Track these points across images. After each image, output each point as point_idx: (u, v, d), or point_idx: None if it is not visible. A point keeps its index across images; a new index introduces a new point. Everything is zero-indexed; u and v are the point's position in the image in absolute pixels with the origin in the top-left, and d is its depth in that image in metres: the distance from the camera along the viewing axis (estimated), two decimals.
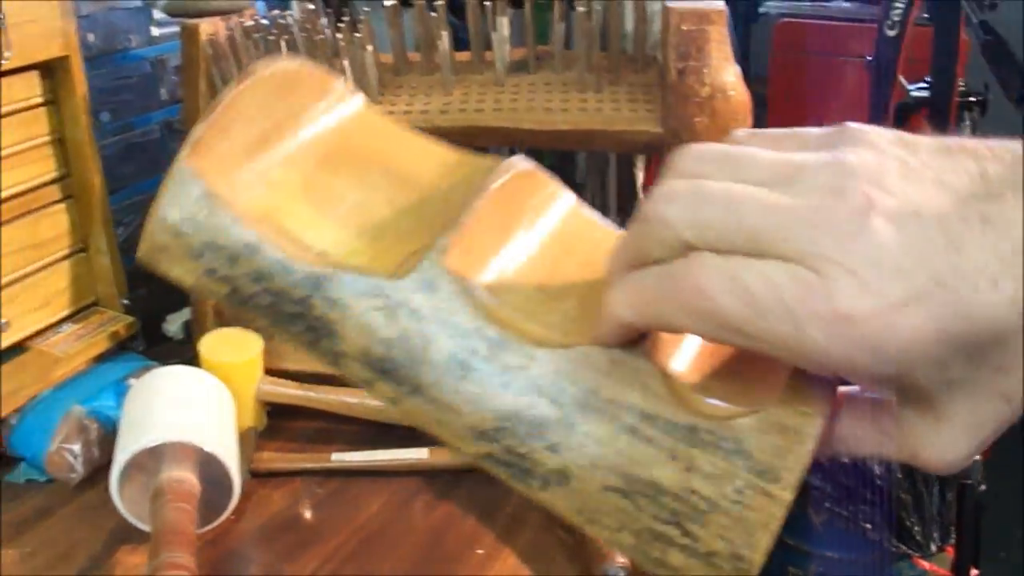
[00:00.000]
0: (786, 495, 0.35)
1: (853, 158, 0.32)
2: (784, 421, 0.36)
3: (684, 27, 0.92)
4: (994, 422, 0.34)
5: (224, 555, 0.86)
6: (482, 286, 0.41)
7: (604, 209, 1.76)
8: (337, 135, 0.48)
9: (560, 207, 0.46)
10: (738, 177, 0.34)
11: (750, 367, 0.38)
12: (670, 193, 0.35)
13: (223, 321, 1.06)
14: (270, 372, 1.02)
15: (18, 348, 1.02)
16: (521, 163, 0.46)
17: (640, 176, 1.52)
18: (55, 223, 1.04)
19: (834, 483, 1.59)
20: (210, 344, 0.99)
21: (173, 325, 1.15)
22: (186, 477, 0.83)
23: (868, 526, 1.60)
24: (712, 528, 0.37)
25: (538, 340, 0.39)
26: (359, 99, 0.51)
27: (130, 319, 1.08)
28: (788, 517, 0.36)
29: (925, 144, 0.34)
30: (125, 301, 1.09)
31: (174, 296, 1.16)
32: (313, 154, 0.47)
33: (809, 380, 0.37)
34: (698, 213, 0.34)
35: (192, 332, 1.09)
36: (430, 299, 0.40)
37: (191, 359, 0.99)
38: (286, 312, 0.42)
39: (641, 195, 1.31)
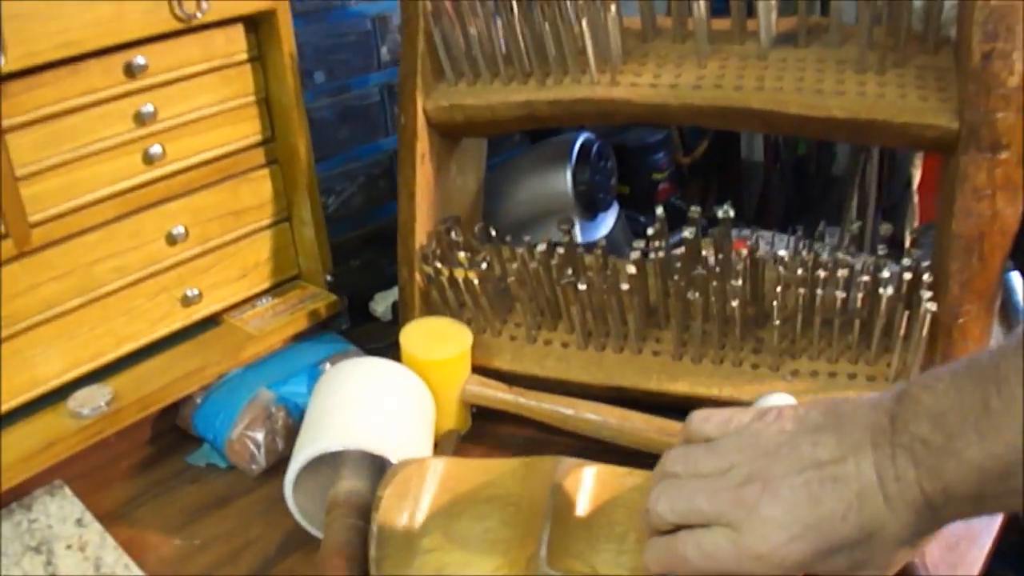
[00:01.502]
0: None
1: (745, 467, 0.56)
2: None
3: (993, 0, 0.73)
4: None
5: None
6: (576, 564, 0.63)
7: (863, 207, 1.56)
8: (445, 494, 0.70)
9: (597, 479, 0.69)
10: (696, 471, 0.58)
11: None
12: (659, 493, 0.58)
13: (431, 307, 0.95)
14: (479, 370, 0.91)
15: (211, 321, 0.95)
16: (568, 461, 0.70)
17: (916, 175, 1.32)
18: (257, 190, 0.96)
19: None
20: (413, 334, 0.89)
21: (381, 305, 1.06)
22: (365, 488, 0.72)
23: None
24: None
25: None
26: (441, 461, 0.73)
27: (333, 297, 0.99)
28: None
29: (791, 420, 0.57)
30: (329, 277, 1.00)
31: (385, 273, 1.06)
32: (438, 516, 0.69)
33: None
34: (675, 506, 0.57)
35: (399, 318, 0.99)
36: None
37: (395, 343, 0.89)
38: None
39: (915, 198, 1.11)
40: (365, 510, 0.71)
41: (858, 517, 0.52)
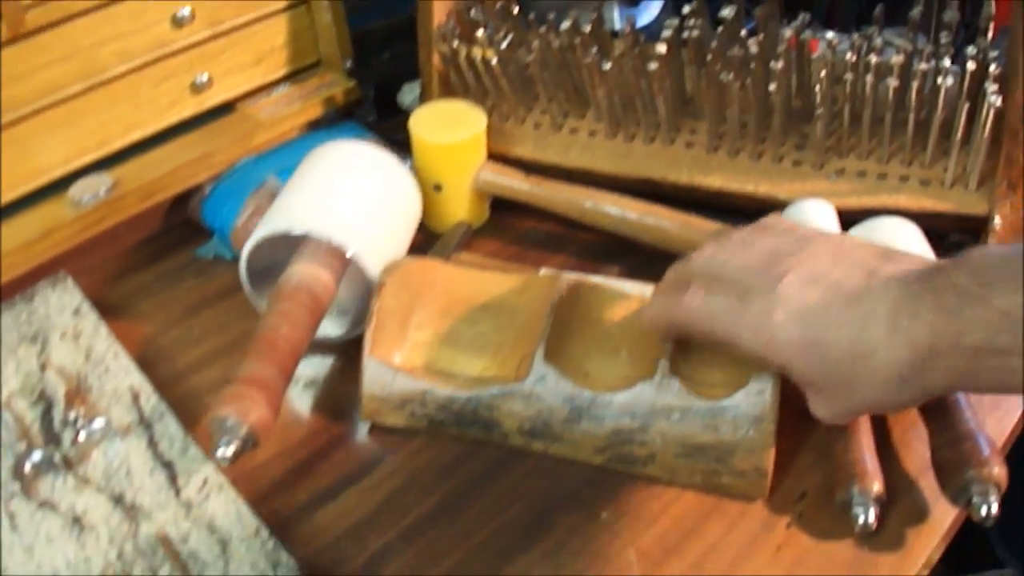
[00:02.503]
0: (771, 426, 0.59)
1: (785, 246, 0.57)
2: (756, 388, 0.60)
3: None
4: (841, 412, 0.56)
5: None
6: (572, 367, 0.65)
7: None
8: (442, 295, 0.71)
9: (596, 295, 0.69)
10: (744, 242, 0.59)
11: (732, 360, 0.62)
12: (704, 248, 0.60)
13: (451, 91, 0.88)
14: (499, 159, 0.84)
15: (225, 110, 0.91)
16: (568, 277, 0.69)
17: None
18: None
19: None
20: (424, 118, 0.82)
21: (408, 95, 0.99)
22: (317, 275, 0.68)
23: None
24: (739, 457, 0.61)
25: (611, 387, 0.63)
26: (444, 266, 0.73)
27: (350, 83, 0.93)
28: None
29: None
30: (348, 63, 0.94)
31: (414, 62, 1.00)
32: (434, 314, 0.70)
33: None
34: (713, 257, 0.59)
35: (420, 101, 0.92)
36: (544, 385, 0.64)
37: None
38: (465, 421, 0.66)
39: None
40: (309, 297, 0.67)
41: (854, 331, 0.52)
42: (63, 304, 0.79)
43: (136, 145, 0.86)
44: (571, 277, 0.69)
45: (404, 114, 0.98)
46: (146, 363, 0.73)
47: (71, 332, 0.76)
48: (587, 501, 0.63)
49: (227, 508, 0.62)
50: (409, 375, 0.67)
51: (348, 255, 0.69)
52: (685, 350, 0.64)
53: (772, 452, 0.60)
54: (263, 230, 0.70)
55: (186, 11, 0.84)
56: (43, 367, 0.73)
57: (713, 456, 0.61)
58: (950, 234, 0.77)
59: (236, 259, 0.84)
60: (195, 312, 0.80)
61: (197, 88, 0.87)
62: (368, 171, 0.75)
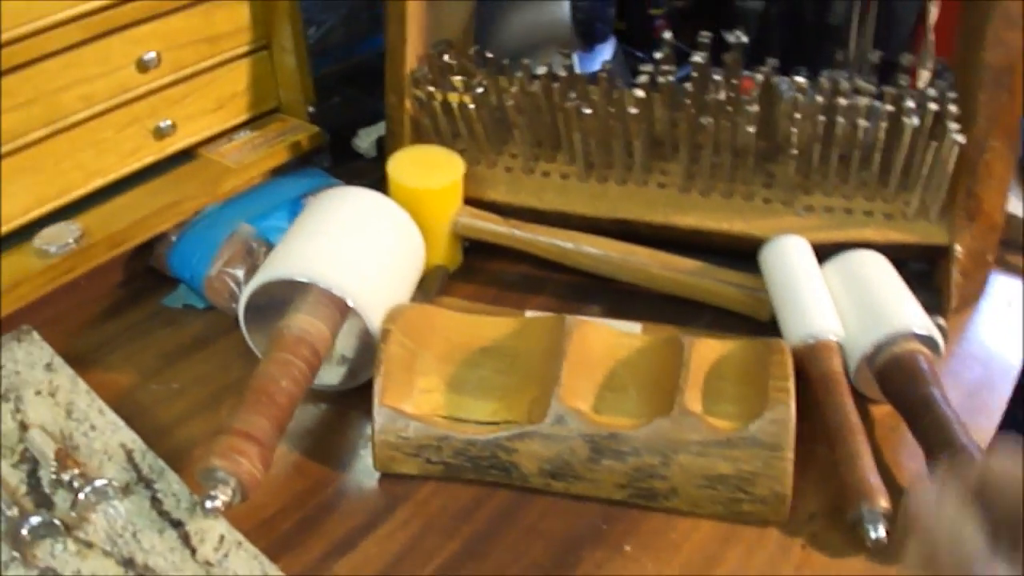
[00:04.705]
0: (789, 453, 0.62)
1: None
2: (772, 417, 0.63)
3: None
4: None
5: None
6: (586, 407, 0.67)
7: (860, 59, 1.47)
8: (442, 341, 0.71)
9: (597, 335, 0.71)
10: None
11: (744, 394, 0.67)
12: None
13: (421, 136, 0.89)
14: (472, 203, 0.84)
15: (186, 155, 0.89)
16: (575, 320, 0.70)
17: (934, 12, 1.23)
18: (233, 14, 0.88)
19: None
20: (402, 163, 0.82)
21: (365, 141, 0.99)
22: (318, 327, 0.67)
23: None
24: (760, 485, 0.63)
25: (628, 425, 0.65)
26: (441, 311, 0.74)
27: (315, 129, 0.92)
28: None
29: None
30: (311, 109, 0.93)
31: (368, 107, 0.99)
32: (436, 360, 0.71)
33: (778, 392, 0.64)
34: None
35: (386, 150, 0.92)
36: (563, 427, 0.65)
37: (381, 180, 0.82)
38: (483, 465, 0.66)
39: (931, 35, 1.05)
40: (304, 349, 0.66)
41: None
42: (32, 359, 0.76)
43: (97, 193, 0.83)
44: (574, 319, 0.70)
45: (360, 159, 0.98)
46: (127, 418, 0.71)
47: (46, 388, 0.73)
48: (608, 536, 0.64)
49: (249, 565, 0.60)
50: (423, 422, 0.66)
51: (350, 305, 0.69)
52: (697, 386, 0.66)
53: (791, 477, 0.62)
54: (265, 275, 0.69)
55: (152, 55, 0.82)
56: (23, 426, 0.70)
57: (734, 485, 0.63)
58: (910, 261, 0.81)
59: (208, 308, 0.82)
60: (170, 363, 0.78)
61: (160, 133, 0.85)
62: (374, 219, 0.75)
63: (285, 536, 0.64)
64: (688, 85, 0.80)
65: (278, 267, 0.69)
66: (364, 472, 0.69)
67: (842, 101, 0.77)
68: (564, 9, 1.05)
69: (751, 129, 0.77)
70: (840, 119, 0.76)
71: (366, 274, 0.71)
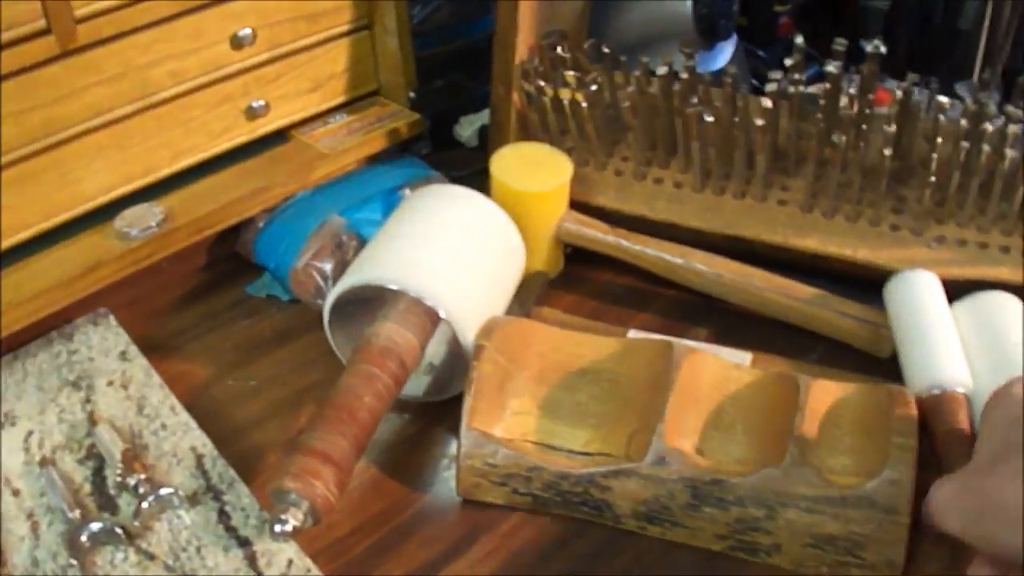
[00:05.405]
0: (906, 519, 0.56)
1: None
2: (890, 477, 0.56)
3: None
4: None
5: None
6: (690, 446, 0.62)
7: (992, 66, 1.38)
8: (537, 359, 0.66)
9: (705, 366, 0.65)
10: None
11: (861, 446, 0.60)
12: None
13: (527, 131, 0.83)
14: (577, 207, 0.79)
15: (278, 138, 0.84)
16: (684, 347, 0.64)
17: None
18: None
19: None
20: (505, 161, 0.77)
21: (466, 129, 0.93)
22: (407, 338, 0.62)
23: None
24: (871, 550, 0.57)
25: (734, 471, 0.60)
26: (539, 326, 0.68)
27: (415, 116, 0.87)
28: None
29: None
30: (412, 94, 0.88)
31: (472, 95, 0.94)
32: (529, 381, 0.65)
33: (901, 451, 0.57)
34: None
35: (488, 140, 0.86)
36: (664, 468, 0.59)
37: (482, 172, 0.77)
38: (574, 501, 0.61)
39: None
40: (390, 361, 0.62)
41: None
42: (107, 346, 0.72)
43: (183, 173, 0.79)
44: (683, 347, 0.64)
45: (461, 148, 0.93)
46: (200, 416, 0.67)
47: (119, 379, 0.70)
48: None
49: None
50: (514, 450, 0.61)
51: (442, 316, 0.64)
52: (811, 433, 0.60)
53: (906, 545, 0.56)
54: (353, 278, 0.64)
55: (247, 31, 0.77)
56: (91, 419, 0.66)
57: (843, 548, 0.57)
58: None
59: (292, 301, 0.78)
60: (250, 358, 0.74)
61: (252, 113, 0.81)
62: (475, 224, 0.70)
63: (357, 561, 0.60)
64: (819, 96, 0.73)
65: (368, 271, 0.65)
66: (445, 496, 0.64)
67: (988, 127, 0.70)
68: (685, 3, 0.98)
69: (887, 152, 0.70)
70: (986, 146, 0.69)
71: (461, 284, 0.66)
